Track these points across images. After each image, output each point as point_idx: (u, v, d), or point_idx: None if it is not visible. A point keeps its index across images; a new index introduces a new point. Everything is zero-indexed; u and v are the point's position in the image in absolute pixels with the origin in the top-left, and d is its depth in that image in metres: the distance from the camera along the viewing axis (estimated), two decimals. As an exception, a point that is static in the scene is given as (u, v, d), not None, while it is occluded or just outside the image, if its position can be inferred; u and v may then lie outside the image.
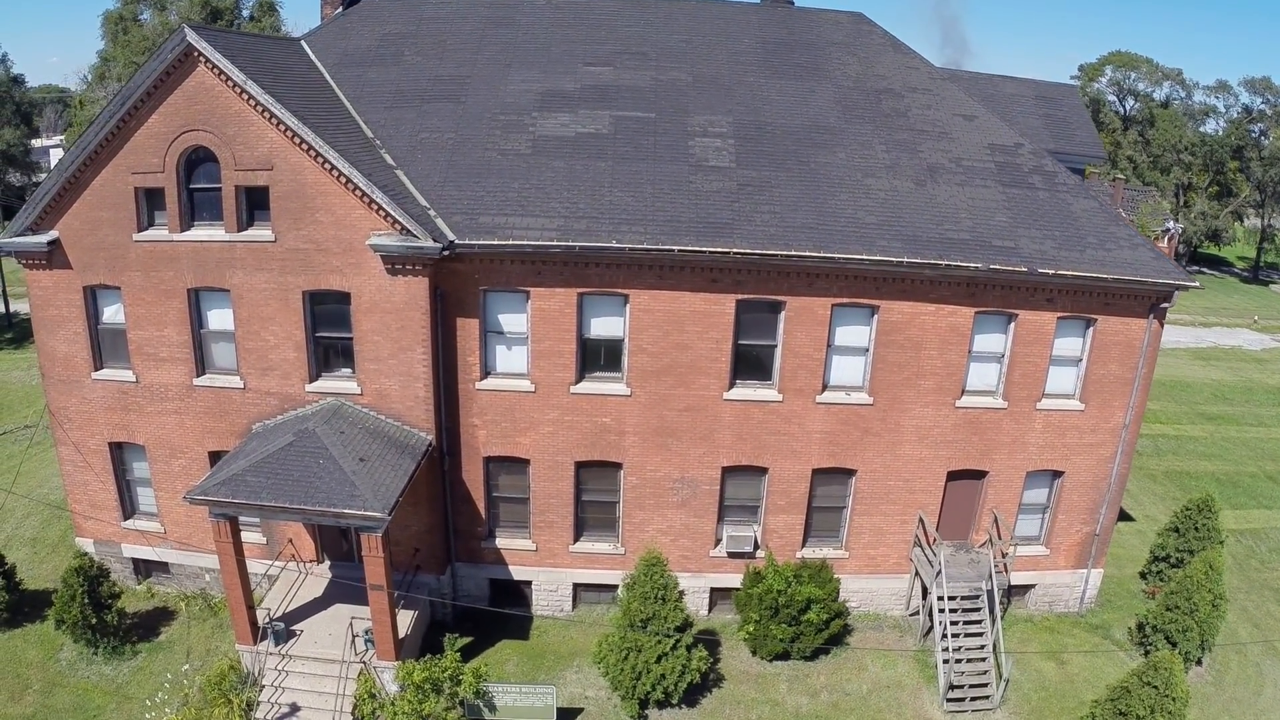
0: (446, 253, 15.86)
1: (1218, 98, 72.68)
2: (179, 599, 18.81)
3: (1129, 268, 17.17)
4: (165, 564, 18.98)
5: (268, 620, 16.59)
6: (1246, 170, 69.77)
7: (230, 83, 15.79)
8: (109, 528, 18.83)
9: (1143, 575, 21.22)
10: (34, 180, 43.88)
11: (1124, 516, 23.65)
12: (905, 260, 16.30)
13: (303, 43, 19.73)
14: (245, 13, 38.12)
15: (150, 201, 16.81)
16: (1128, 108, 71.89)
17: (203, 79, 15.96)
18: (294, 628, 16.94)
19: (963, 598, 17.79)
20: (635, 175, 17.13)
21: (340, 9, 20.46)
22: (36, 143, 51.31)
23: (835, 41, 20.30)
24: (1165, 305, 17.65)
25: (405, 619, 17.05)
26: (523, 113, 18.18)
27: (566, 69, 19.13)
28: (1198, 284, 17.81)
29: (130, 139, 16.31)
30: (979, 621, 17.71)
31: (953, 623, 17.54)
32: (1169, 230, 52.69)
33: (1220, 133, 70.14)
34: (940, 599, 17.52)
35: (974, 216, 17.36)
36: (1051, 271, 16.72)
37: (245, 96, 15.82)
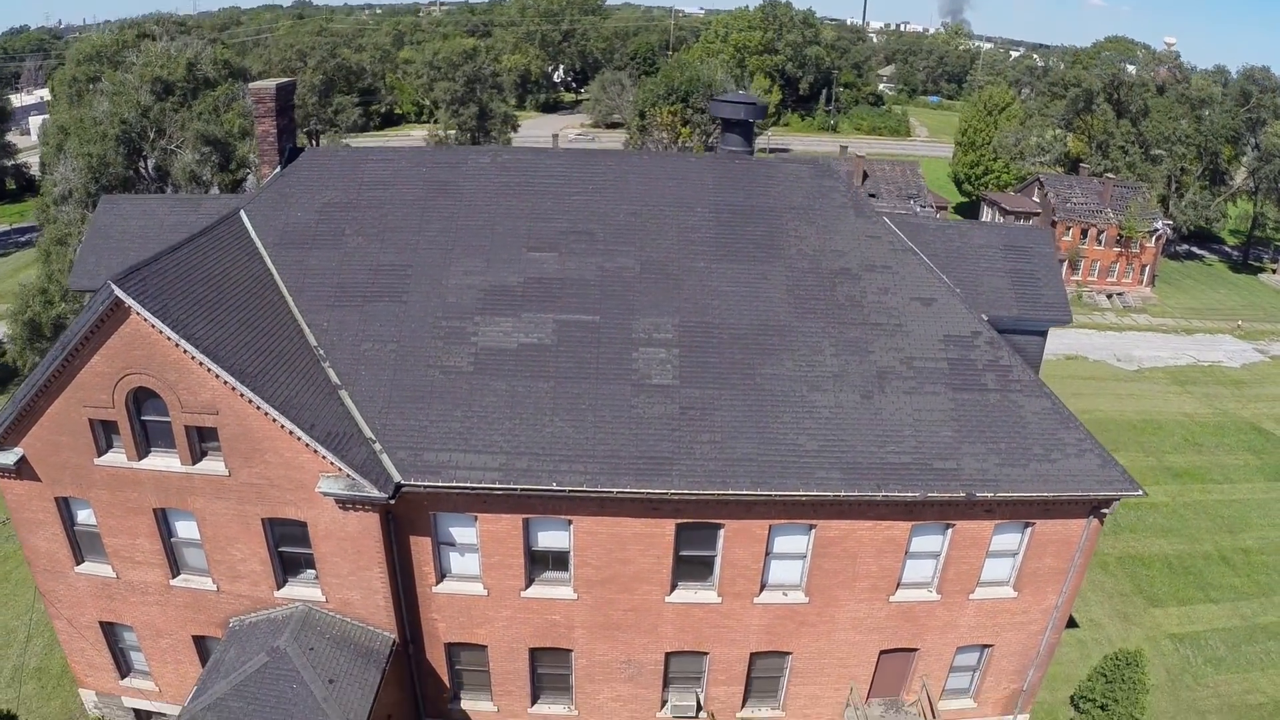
0: (393, 501, 16.35)
1: (1215, 81, 68.65)
2: (182, 742, 20.86)
3: (1072, 480, 17.33)
4: (165, 714, 20.88)
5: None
6: (1241, 156, 66.95)
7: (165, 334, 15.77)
8: (108, 683, 20.61)
9: (1073, 702, 22.65)
10: (7, 164, 43.35)
11: (1069, 623, 24.77)
12: (841, 494, 16.60)
13: (242, 214, 19.18)
14: (202, 71, 35.35)
15: (107, 429, 17.20)
16: (1121, 95, 67.26)
17: (137, 326, 15.91)
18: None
19: (889, 758, 19.42)
20: (577, 399, 17.14)
21: (278, 168, 19.64)
22: (15, 100, 50.39)
23: (793, 206, 19.30)
24: (1105, 511, 17.94)
25: (382, 784, 19.00)
26: (465, 317, 17.91)
27: (510, 255, 18.55)
28: (1142, 492, 17.87)
29: (77, 376, 16.50)
30: (903, 780, 19.43)
31: (878, 781, 19.28)
32: (1157, 231, 50.35)
33: (1216, 120, 65.74)
34: (867, 763, 19.17)
35: (919, 433, 17.35)
36: (990, 495, 16.99)
37: (181, 348, 15.83)
